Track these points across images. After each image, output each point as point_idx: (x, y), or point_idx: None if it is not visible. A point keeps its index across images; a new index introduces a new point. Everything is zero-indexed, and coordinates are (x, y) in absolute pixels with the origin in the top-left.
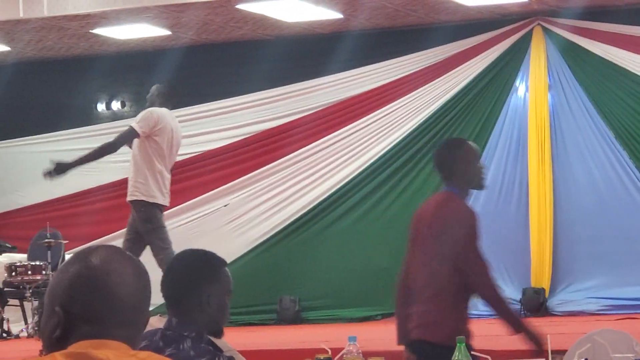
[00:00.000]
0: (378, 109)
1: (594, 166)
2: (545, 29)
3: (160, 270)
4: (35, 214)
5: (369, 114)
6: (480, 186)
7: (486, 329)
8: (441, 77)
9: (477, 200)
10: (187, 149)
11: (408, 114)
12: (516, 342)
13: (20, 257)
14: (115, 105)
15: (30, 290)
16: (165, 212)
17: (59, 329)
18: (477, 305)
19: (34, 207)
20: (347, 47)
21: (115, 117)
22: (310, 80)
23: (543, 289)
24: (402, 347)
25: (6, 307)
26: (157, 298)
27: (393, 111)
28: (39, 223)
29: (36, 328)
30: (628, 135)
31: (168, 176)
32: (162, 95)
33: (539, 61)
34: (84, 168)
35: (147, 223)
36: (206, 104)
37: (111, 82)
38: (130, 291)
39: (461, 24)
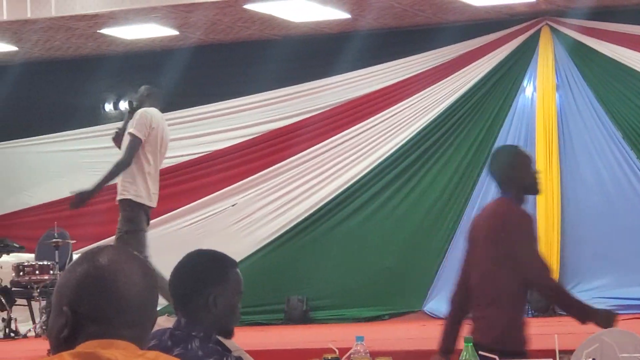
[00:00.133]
0: (386, 109)
1: (602, 166)
2: (553, 29)
3: (169, 270)
4: (43, 214)
5: (376, 114)
6: (535, 191)
7: None
8: (449, 77)
9: (484, 201)
10: (194, 149)
11: (415, 114)
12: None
13: (27, 257)
14: (123, 105)
15: (38, 290)
16: (172, 212)
17: (66, 329)
18: None
19: (41, 207)
20: (355, 47)
21: (123, 117)
22: (318, 80)
23: None
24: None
25: (14, 307)
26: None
27: (400, 111)
28: (47, 223)
29: (44, 328)
30: (636, 135)
31: (156, 177)
32: (151, 95)
33: (546, 61)
34: (94, 169)
35: (128, 222)
36: (214, 104)
37: (119, 82)
38: (137, 291)
39: (469, 24)
